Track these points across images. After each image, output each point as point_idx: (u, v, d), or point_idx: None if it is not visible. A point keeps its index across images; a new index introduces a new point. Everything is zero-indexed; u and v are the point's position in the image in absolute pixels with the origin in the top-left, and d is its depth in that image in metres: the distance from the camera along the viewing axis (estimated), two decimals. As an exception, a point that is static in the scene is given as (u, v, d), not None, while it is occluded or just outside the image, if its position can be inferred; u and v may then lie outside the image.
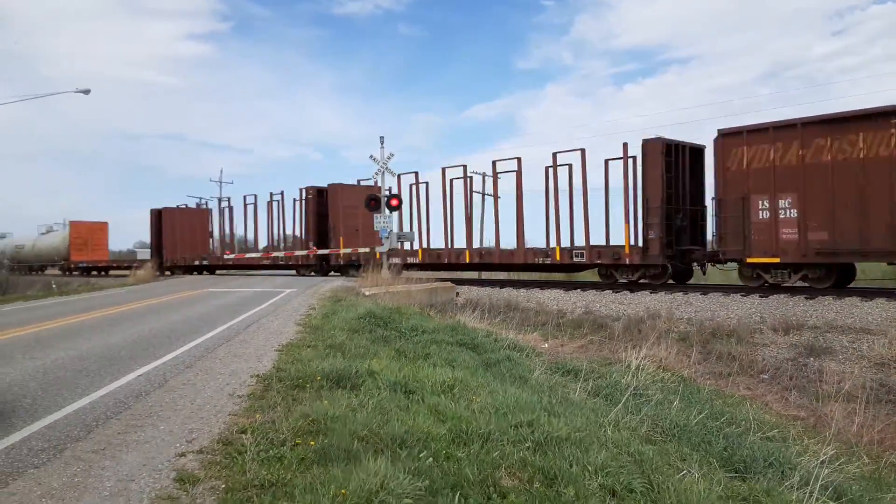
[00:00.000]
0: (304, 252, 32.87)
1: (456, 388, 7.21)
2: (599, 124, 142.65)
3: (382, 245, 24.82)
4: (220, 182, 62.88)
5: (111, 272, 46.75)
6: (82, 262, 48.37)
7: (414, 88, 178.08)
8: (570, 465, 4.99)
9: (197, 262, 39.79)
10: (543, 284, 24.25)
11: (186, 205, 47.16)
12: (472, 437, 5.42)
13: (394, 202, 24.57)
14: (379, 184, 25.27)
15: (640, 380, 9.51)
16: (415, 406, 6.33)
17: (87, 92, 27.39)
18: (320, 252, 31.99)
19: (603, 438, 5.92)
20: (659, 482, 5.04)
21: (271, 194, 35.62)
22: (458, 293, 23.19)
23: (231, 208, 39.56)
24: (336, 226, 31.45)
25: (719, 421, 7.74)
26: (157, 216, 41.03)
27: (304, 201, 33.71)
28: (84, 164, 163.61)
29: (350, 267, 30.36)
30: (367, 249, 28.61)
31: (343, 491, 4.06)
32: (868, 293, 16.87)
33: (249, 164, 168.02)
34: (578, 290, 22.13)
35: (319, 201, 33.09)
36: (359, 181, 32.15)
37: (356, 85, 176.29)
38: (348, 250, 30.16)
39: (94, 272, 47.50)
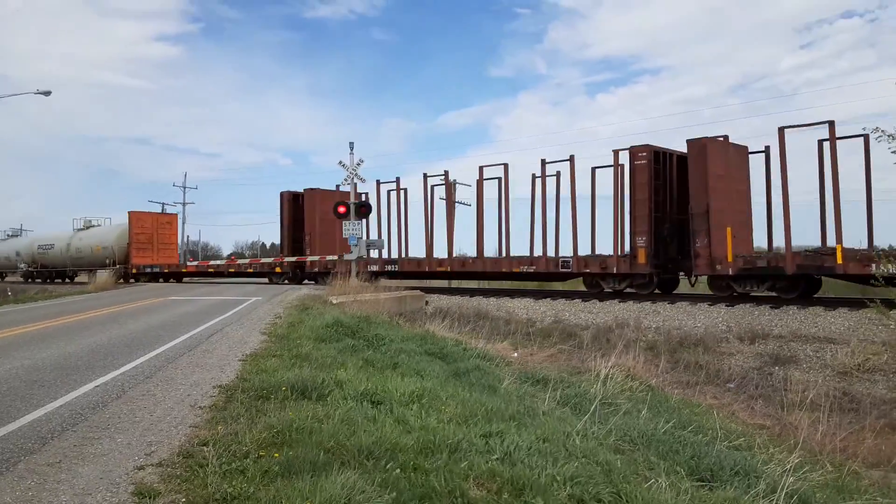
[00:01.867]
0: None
1: (424, 398, 7.12)
2: (572, 133, 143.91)
3: (351, 252, 24.63)
4: (184, 187, 61.86)
5: (185, 279, 38.77)
6: (149, 265, 38.58)
7: (386, 94, 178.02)
8: (539, 476, 4.94)
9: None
10: (513, 293, 24.27)
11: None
12: (440, 447, 5.35)
13: (362, 210, 24.43)
14: (349, 190, 25.11)
15: (608, 389, 9.52)
16: (382, 417, 6.24)
17: (47, 93, 26.86)
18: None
19: (571, 448, 5.89)
20: (627, 491, 5.01)
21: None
22: (427, 302, 23.12)
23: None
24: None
25: (687, 430, 7.76)
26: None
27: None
28: (46, 168, 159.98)
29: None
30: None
31: (308, 503, 3.97)
32: (831, 303, 17.22)
33: (217, 169, 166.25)
34: (548, 298, 22.22)
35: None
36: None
37: (328, 90, 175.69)
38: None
39: (163, 279, 38.65)
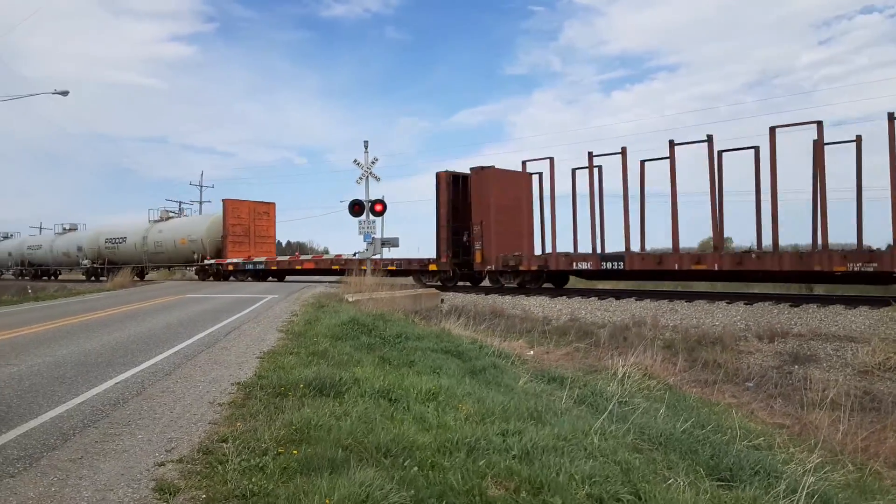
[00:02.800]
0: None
1: (441, 395, 7.12)
2: (587, 130, 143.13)
3: (366, 251, 24.66)
4: (201, 186, 62.20)
5: (288, 278, 33.62)
6: (249, 261, 33.26)
7: (400, 93, 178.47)
8: (557, 475, 4.92)
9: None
10: (528, 291, 24.20)
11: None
12: (457, 445, 5.34)
13: (378, 207, 24.45)
14: (362, 189, 25.14)
15: (626, 388, 9.47)
16: (400, 414, 6.24)
17: (65, 94, 27.07)
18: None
19: (589, 447, 5.86)
20: (646, 491, 4.98)
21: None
22: (442, 300, 23.12)
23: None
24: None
25: (706, 429, 7.70)
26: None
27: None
28: (62, 167, 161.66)
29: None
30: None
31: (327, 501, 3.97)
32: (852, 301, 17.01)
33: (232, 168, 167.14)
34: (564, 297, 22.14)
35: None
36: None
37: (341, 88, 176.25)
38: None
39: (274, 278, 33.55)
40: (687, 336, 16.01)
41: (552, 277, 25.81)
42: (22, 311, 18.80)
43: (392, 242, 27.07)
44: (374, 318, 13.88)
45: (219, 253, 34.58)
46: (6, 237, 56.95)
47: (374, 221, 24.20)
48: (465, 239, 26.07)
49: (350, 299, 18.59)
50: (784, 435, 8.91)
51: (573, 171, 24.91)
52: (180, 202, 59.74)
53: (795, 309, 16.78)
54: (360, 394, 6.87)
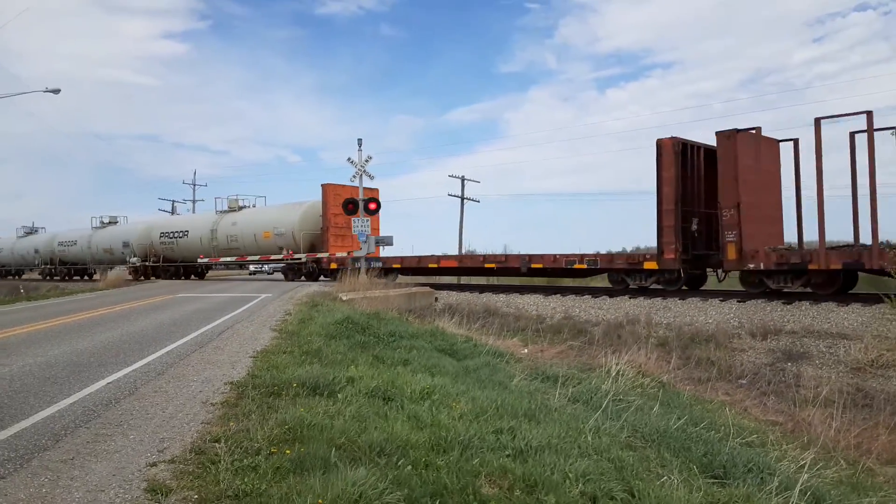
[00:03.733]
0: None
1: (435, 394, 7.12)
2: (581, 128, 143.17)
3: (361, 249, 24.63)
4: (194, 184, 61.96)
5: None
6: (374, 258, 25.96)
7: (394, 90, 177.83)
8: (551, 473, 4.93)
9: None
10: (522, 289, 24.20)
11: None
12: (451, 444, 5.34)
13: (372, 205, 24.43)
14: (357, 186, 25.10)
15: (619, 385, 9.48)
16: (394, 413, 6.23)
17: (56, 91, 26.93)
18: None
19: (583, 445, 5.86)
20: (639, 488, 4.99)
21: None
22: (436, 298, 23.11)
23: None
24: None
25: (699, 426, 7.72)
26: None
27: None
28: (55, 166, 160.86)
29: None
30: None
31: (320, 501, 3.97)
32: (844, 298, 17.08)
33: (225, 166, 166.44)
34: (558, 294, 22.15)
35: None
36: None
37: (335, 86, 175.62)
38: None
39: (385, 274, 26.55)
40: (680, 334, 16.05)
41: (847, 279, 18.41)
42: (14, 311, 18.70)
43: (386, 241, 27.10)
44: (369, 316, 13.86)
45: (313, 248, 29.96)
46: (31, 232, 52.43)
47: (368, 220, 24.19)
48: (693, 228, 20.29)
49: (344, 298, 18.56)
50: (777, 432, 8.94)
51: (851, 135, 17.85)
52: (173, 201, 59.55)
53: (788, 306, 16.84)
54: (353, 393, 6.86)
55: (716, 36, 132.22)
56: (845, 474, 7.28)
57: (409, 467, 4.75)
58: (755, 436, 8.17)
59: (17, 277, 51.72)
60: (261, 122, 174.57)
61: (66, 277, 45.81)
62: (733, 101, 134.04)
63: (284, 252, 30.50)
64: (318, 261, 29.80)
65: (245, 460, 4.69)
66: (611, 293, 21.25)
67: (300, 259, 30.04)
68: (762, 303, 17.60)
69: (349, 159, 24.78)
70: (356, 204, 24.10)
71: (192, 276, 37.93)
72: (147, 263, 37.86)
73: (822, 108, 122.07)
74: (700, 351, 14.50)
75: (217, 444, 5.07)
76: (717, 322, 16.71)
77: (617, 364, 10.60)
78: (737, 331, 15.77)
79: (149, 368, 8.52)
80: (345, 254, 28.22)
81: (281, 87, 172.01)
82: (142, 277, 37.28)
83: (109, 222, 43.71)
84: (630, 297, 20.17)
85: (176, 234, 36.72)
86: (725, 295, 19.37)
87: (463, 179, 44.16)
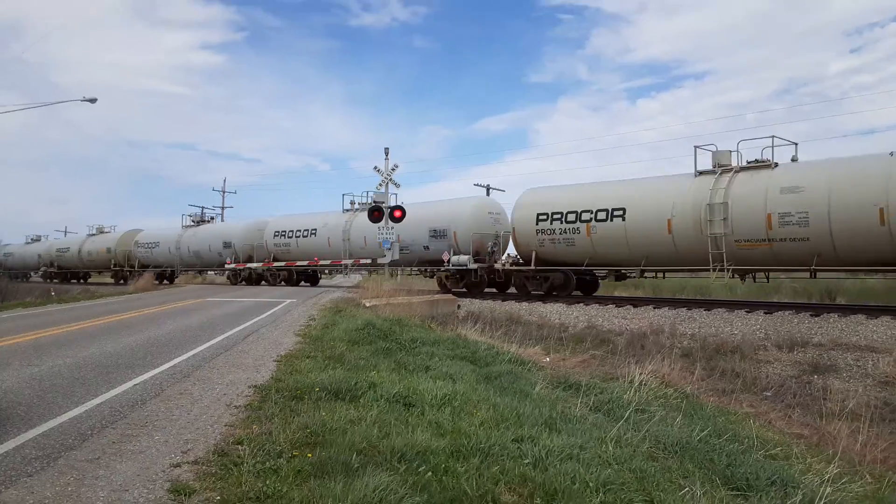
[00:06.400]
0: None
1: (456, 401, 7.12)
2: (612, 138, 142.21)
3: (385, 256, 24.73)
4: (224, 191, 62.59)
5: None
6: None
7: (424, 101, 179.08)
8: (571, 482, 4.90)
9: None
10: (545, 298, 24.09)
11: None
12: (471, 451, 5.34)
13: (397, 213, 24.52)
14: (384, 193, 25.20)
15: (642, 396, 9.41)
16: (414, 419, 6.25)
17: (93, 101, 27.45)
18: None
19: (604, 455, 5.83)
20: (660, 499, 4.95)
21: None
22: (459, 305, 23.10)
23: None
24: None
25: (722, 438, 7.62)
26: None
27: None
28: (92, 173, 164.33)
29: None
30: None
31: (339, 504, 3.99)
32: (874, 311, 16.79)
33: (257, 174, 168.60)
34: (581, 304, 22.03)
35: None
36: None
37: (366, 96, 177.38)
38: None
39: None
40: (705, 345, 15.87)
41: None
42: (46, 312, 19.06)
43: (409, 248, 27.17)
44: (391, 322, 13.91)
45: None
46: (34, 240, 57.14)
47: (392, 227, 24.28)
48: None
49: (367, 304, 18.64)
50: (802, 445, 8.79)
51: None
52: (203, 207, 60.11)
53: (816, 318, 16.58)
54: (375, 398, 6.89)
55: (750, 46, 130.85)
56: (871, 489, 7.14)
57: (430, 473, 4.76)
58: (779, 448, 8.05)
59: (24, 280, 54.00)
60: (293, 132, 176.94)
61: (64, 280, 48.53)
62: (767, 111, 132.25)
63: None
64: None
65: (267, 463, 4.74)
66: (635, 303, 21.08)
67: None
68: (789, 314, 17.36)
69: (375, 168, 24.95)
70: (381, 212, 24.22)
71: (303, 282, 34.15)
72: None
73: (859, 119, 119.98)
74: (725, 362, 14.31)
75: (240, 447, 5.13)
76: (743, 333, 16.50)
77: (640, 374, 10.52)
78: (763, 342, 15.56)
79: (175, 371, 8.64)
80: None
81: (313, 97, 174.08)
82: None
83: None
84: (654, 308, 20.00)
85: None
86: (752, 306, 19.13)
87: (488, 188, 44.06)
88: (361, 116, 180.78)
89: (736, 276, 19.44)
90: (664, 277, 23.42)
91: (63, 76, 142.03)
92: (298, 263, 32.62)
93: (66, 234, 58.31)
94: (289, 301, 21.26)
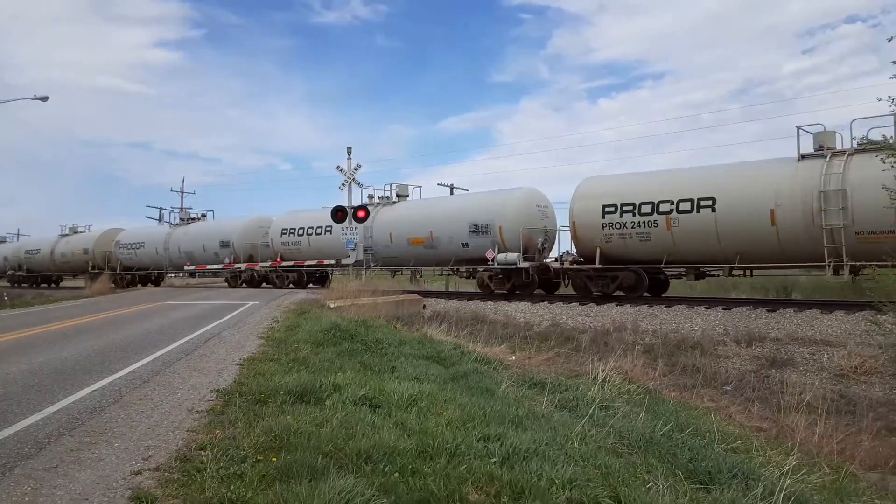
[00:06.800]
0: None
1: (423, 401, 7.11)
2: (573, 137, 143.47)
3: (349, 257, 24.62)
4: (182, 192, 61.50)
5: None
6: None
7: (387, 100, 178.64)
8: (538, 479, 4.93)
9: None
10: (510, 297, 24.20)
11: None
12: (438, 451, 5.34)
13: (360, 213, 24.42)
14: (345, 195, 25.06)
15: (606, 392, 9.51)
16: (381, 420, 6.22)
17: (44, 99, 26.83)
18: None
19: (570, 451, 5.88)
20: (626, 494, 5.01)
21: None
22: (424, 305, 23.09)
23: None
24: None
25: (685, 433, 7.75)
26: None
27: None
28: (46, 173, 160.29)
29: None
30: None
31: (306, 508, 3.95)
32: (827, 306, 17.23)
33: (217, 174, 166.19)
34: (545, 302, 22.19)
35: None
36: None
37: (328, 95, 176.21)
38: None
39: None
40: (666, 341, 16.12)
41: None
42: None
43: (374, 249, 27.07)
44: (356, 324, 13.83)
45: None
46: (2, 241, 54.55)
47: (356, 227, 24.17)
48: None
49: (332, 305, 18.52)
50: (762, 438, 8.99)
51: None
52: (160, 208, 58.97)
53: (772, 314, 16.96)
54: (340, 400, 6.84)
55: (707, 47, 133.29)
56: (829, 480, 7.33)
57: (396, 474, 4.75)
58: (740, 442, 8.22)
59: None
60: (254, 131, 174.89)
61: (34, 285, 46.61)
62: (723, 110, 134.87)
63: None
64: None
65: (231, 468, 4.68)
66: (598, 301, 21.32)
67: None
68: (747, 310, 17.72)
69: (338, 167, 24.81)
70: (345, 212, 24.10)
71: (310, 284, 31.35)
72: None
73: (811, 118, 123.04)
74: (686, 358, 14.56)
75: (203, 452, 5.05)
76: (703, 329, 16.80)
77: (603, 371, 10.64)
78: (722, 338, 15.86)
79: (134, 376, 8.46)
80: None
81: (274, 96, 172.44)
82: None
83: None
84: (617, 305, 20.24)
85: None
86: (711, 303, 19.50)
87: (452, 187, 44.11)
88: (324, 116, 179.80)
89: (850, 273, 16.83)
90: (751, 275, 20.58)
91: (16, 75, 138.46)
92: (308, 263, 30.51)
93: (18, 238, 56.77)
94: (251, 303, 21.01)
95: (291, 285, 30.74)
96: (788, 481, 5.96)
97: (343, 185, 24.96)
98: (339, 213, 24.17)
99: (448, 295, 26.32)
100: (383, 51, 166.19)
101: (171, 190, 78.29)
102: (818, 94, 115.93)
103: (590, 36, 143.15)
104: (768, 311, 17.31)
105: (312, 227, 30.25)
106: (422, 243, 25.55)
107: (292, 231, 31.14)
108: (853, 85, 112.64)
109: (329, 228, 28.12)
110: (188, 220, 38.87)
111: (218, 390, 7.41)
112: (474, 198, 26.51)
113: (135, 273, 40.16)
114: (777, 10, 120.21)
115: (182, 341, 11.85)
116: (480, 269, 24.45)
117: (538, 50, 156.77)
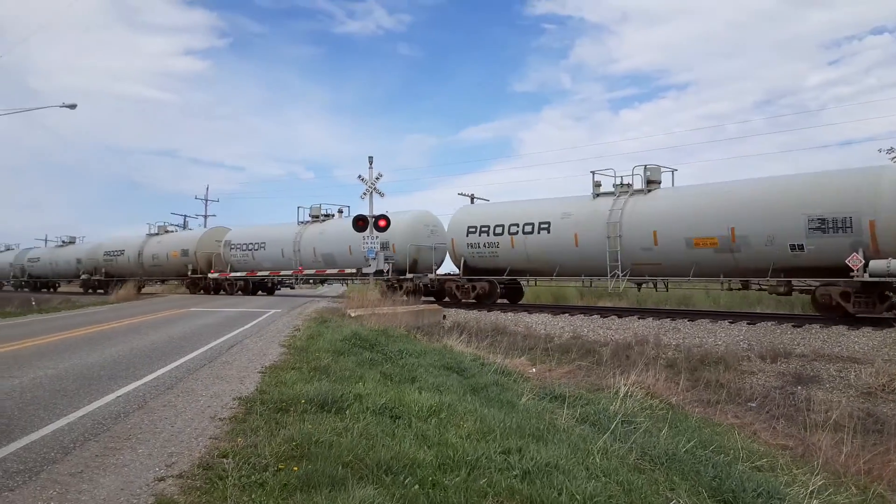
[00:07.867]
0: None
1: (443, 413, 7.10)
2: (595, 148, 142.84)
3: (370, 266, 24.68)
4: (206, 199, 62.10)
5: None
6: None
7: (408, 109, 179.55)
8: (559, 494, 4.90)
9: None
10: (530, 308, 24.12)
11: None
12: (458, 463, 5.32)
13: (381, 223, 24.48)
14: (367, 204, 25.13)
15: (628, 407, 9.42)
16: (401, 431, 6.22)
17: (72, 106, 27.24)
18: None
19: (591, 467, 5.83)
20: (648, 512, 4.96)
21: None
22: (444, 316, 23.08)
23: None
24: None
25: (708, 449, 7.65)
26: None
27: None
28: (71, 179, 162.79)
29: None
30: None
31: (326, 519, 3.96)
32: (855, 322, 16.95)
33: (240, 182, 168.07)
34: (566, 314, 22.09)
35: None
36: None
37: (350, 104, 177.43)
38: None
39: None
40: (689, 355, 15.94)
41: None
42: (26, 322, 18.82)
43: (393, 258, 27.13)
44: (377, 333, 13.86)
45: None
46: (8, 248, 58.27)
47: (377, 237, 24.24)
48: None
49: (352, 314, 18.57)
50: (787, 456, 8.84)
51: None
52: (185, 216, 59.57)
53: (798, 329, 16.72)
54: (361, 410, 6.85)
55: (731, 57, 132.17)
56: (856, 500, 7.18)
57: (416, 486, 4.74)
58: (765, 460, 8.09)
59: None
60: (276, 139, 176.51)
61: (34, 290, 49.12)
62: (747, 121, 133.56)
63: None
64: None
65: (252, 476, 4.70)
66: (619, 313, 21.16)
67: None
68: (772, 325, 17.50)
69: (360, 177, 24.90)
70: (366, 221, 24.18)
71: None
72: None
73: (837, 130, 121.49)
74: (709, 373, 14.39)
75: (225, 460, 5.08)
76: (727, 344, 16.61)
77: (625, 385, 10.55)
78: (746, 353, 15.66)
79: (158, 382, 8.55)
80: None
81: (297, 104, 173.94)
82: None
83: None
84: (639, 318, 20.09)
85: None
86: (735, 317, 19.28)
87: (472, 197, 44.09)
88: (345, 124, 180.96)
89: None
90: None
91: (43, 81, 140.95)
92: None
93: (46, 243, 58.00)
94: (273, 311, 21.14)
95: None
96: (815, 502, 5.86)
97: (364, 194, 25.04)
98: (359, 222, 24.25)
99: (468, 306, 26.26)
100: (405, 60, 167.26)
101: (196, 198, 79.05)
102: (844, 105, 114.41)
103: (612, 45, 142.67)
104: (794, 326, 17.08)
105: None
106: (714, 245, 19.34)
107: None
108: (881, 96, 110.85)
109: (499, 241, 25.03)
110: (322, 216, 32.46)
111: (240, 398, 7.45)
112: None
113: (247, 280, 34.72)
114: (801, 21, 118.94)
115: (205, 348, 11.95)
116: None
117: (560, 59, 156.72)
